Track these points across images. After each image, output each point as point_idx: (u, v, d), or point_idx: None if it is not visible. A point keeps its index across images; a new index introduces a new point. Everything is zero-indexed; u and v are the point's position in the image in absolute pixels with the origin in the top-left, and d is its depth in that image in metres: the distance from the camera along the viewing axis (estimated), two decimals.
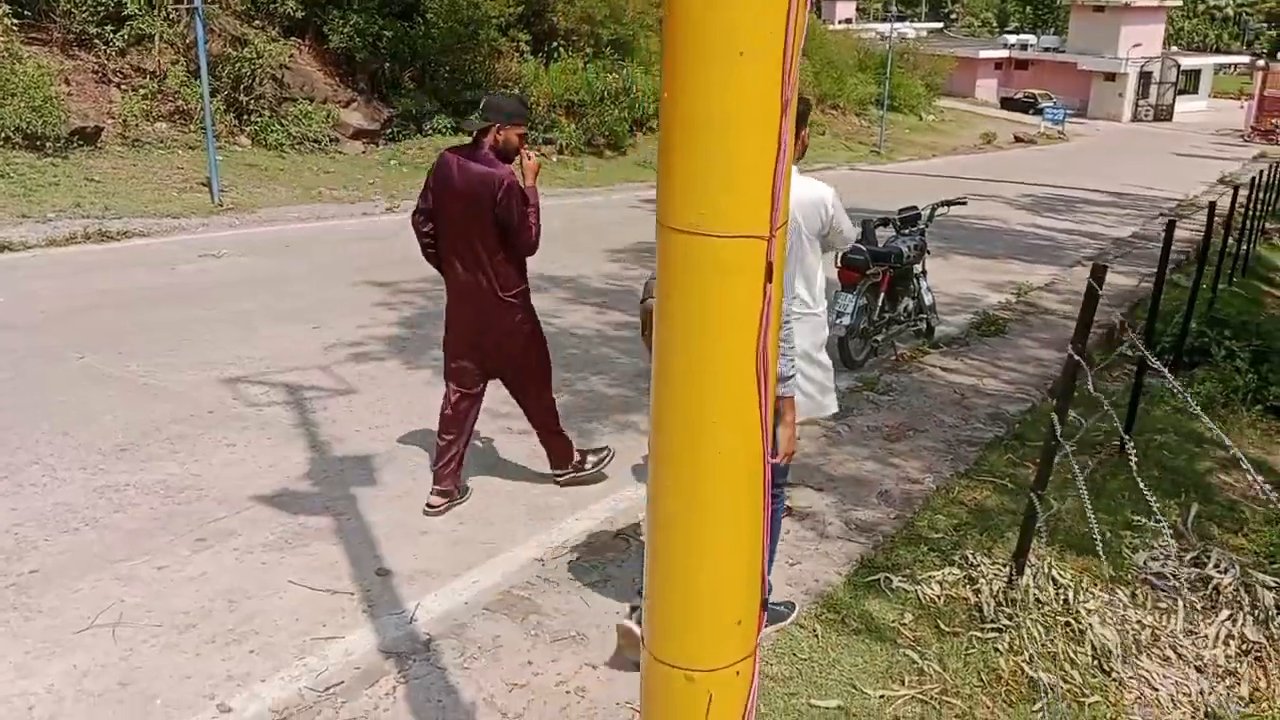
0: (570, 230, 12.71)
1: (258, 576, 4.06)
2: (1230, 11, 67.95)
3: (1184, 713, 3.43)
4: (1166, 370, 7.72)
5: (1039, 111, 44.22)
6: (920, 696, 3.41)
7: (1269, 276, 15.10)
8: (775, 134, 1.26)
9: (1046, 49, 55.95)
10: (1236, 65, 62.46)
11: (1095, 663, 3.63)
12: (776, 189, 1.27)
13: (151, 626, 3.67)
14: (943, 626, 3.84)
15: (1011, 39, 58.05)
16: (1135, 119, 50.33)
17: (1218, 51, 64.99)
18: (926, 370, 7.49)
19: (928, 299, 8.20)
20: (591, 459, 5.12)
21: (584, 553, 4.34)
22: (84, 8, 14.95)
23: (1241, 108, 49.20)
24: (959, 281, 11.10)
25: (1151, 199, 21.50)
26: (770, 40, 1.24)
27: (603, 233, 13.22)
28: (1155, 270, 6.15)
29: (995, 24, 74.74)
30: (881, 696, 3.39)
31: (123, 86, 15.35)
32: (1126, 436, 4.95)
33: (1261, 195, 16.75)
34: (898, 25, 37.92)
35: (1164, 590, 4.29)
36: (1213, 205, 7.74)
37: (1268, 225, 18.83)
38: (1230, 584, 4.36)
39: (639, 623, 4.24)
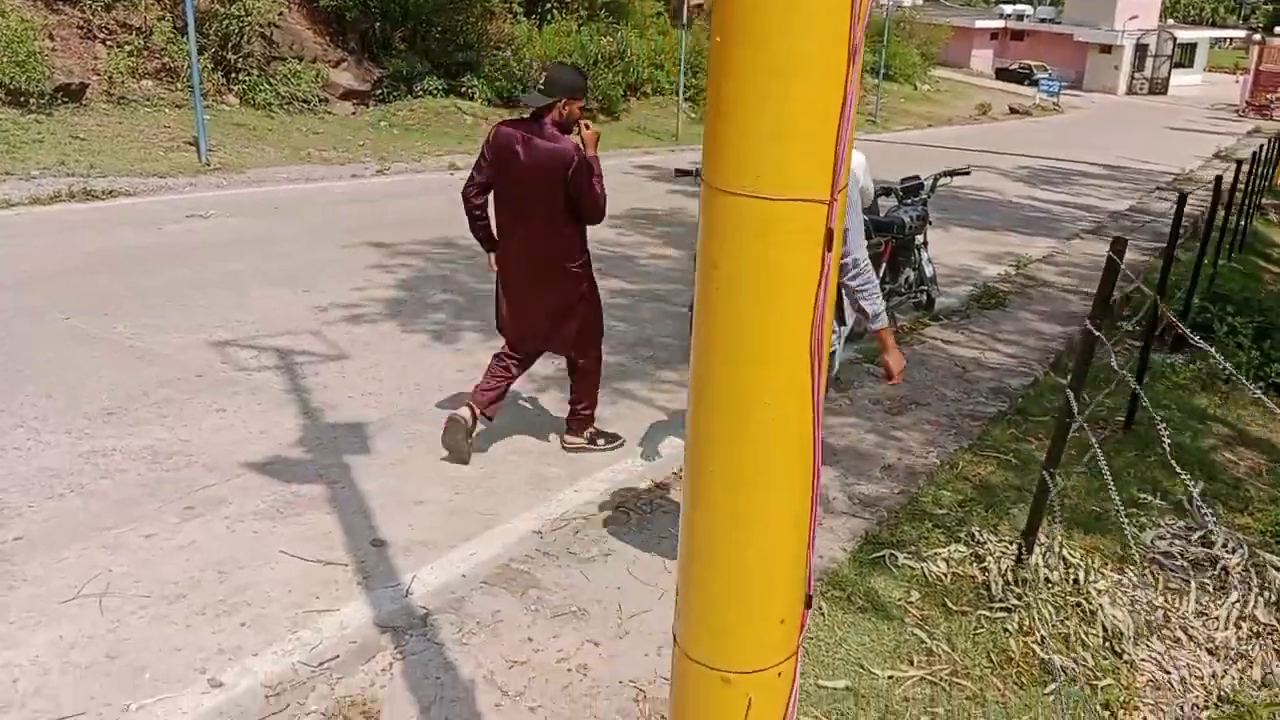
0: None
1: (249, 546, 3.95)
2: None
3: (1197, 696, 3.37)
4: (1168, 345, 7.64)
5: (1034, 83, 43.95)
6: (930, 678, 3.33)
7: (1265, 252, 15.03)
8: (841, 84, 1.13)
9: (1043, 20, 55.54)
10: (1232, 39, 62.20)
11: (1107, 644, 3.56)
12: (840, 147, 1.14)
13: (140, 597, 3.56)
14: (950, 605, 3.77)
15: (1008, 9, 57.52)
16: (1130, 92, 50.11)
17: (1214, 25, 64.68)
18: (928, 342, 7.40)
19: (929, 270, 8.09)
20: (603, 441, 5.05)
21: (583, 526, 4.25)
22: None
23: (1236, 82, 49.04)
24: (957, 253, 10.98)
25: (1147, 173, 21.39)
26: None
27: None
28: (1153, 245, 6.06)
29: None
30: (890, 677, 3.32)
31: (108, 43, 15.02)
32: (1151, 415, 4.87)
33: (1260, 170, 16.63)
34: None
35: (1172, 570, 4.23)
36: (1219, 179, 7.63)
37: (1264, 201, 18.75)
38: (1238, 564, 4.30)
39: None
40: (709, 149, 1.21)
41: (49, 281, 7.34)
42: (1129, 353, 7.49)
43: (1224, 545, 4.47)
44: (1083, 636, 3.56)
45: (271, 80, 16.25)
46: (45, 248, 8.35)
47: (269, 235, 9.45)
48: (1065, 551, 4.00)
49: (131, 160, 12.22)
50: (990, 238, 12.39)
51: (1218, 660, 3.61)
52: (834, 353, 4.12)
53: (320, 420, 5.24)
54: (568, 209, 4.42)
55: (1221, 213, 11.19)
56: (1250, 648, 3.68)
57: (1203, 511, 4.00)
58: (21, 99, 12.86)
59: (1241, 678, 3.49)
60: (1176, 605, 3.92)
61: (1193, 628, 3.80)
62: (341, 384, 5.79)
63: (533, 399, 5.75)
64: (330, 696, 3.08)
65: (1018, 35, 53.43)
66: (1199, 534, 4.61)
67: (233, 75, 16.00)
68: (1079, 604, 3.74)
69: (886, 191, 7.71)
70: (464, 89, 18.96)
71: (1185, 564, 4.31)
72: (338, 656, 3.27)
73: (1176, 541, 4.54)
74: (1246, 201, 14.79)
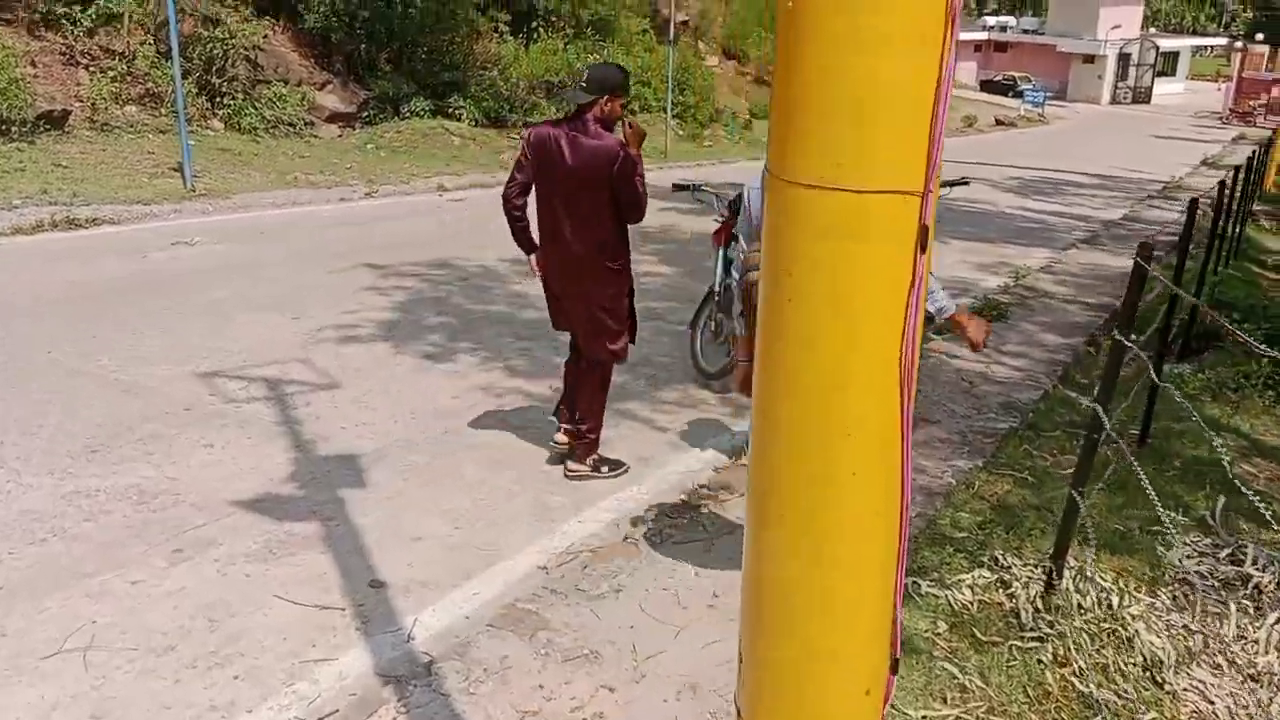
0: None
1: (241, 590, 3.76)
2: None
3: None
4: (1175, 355, 7.50)
5: (1019, 94, 44.08)
6: (965, 716, 3.15)
7: (1259, 258, 14.97)
8: (937, 57, 0.96)
9: (1026, 31, 55.83)
10: (1213, 47, 62.63)
11: (1147, 674, 3.39)
12: (936, 130, 0.97)
13: (126, 650, 3.36)
14: (980, 636, 3.59)
15: (991, 21, 57.87)
16: (1114, 101, 50.34)
17: (1195, 33, 65.12)
18: (934, 357, 7.24)
19: (932, 283, 7.94)
20: (606, 469, 4.89)
21: (591, 560, 4.06)
22: None
23: (1219, 89, 49.29)
24: (954, 265, 10.86)
25: (1137, 181, 21.36)
26: None
27: None
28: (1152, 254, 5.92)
29: (974, 6, 74.51)
30: (923, 717, 3.14)
31: (91, 68, 14.86)
32: (1167, 426, 4.71)
33: (1252, 178, 16.61)
34: None
35: (1204, 591, 4.07)
36: (1222, 185, 7.52)
37: (1255, 207, 18.72)
38: (1271, 582, 4.15)
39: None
40: (777, 135, 1.04)
41: (30, 313, 7.14)
42: (1133, 363, 7.36)
43: (1254, 562, 4.32)
44: (1121, 666, 3.39)
45: (256, 104, 16.10)
46: (27, 278, 8.15)
47: (256, 261, 9.26)
48: (1097, 575, 3.83)
49: (115, 187, 12.03)
50: (986, 249, 12.28)
51: (1261, 687, 3.44)
52: None
53: (312, 453, 5.05)
54: (611, 206, 4.44)
55: (1220, 219, 11.10)
56: None
57: (1213, 525, 3.84)
58: (3, 127, 12.68)
59: None
60: (1214, 629, 3.75)
61: (1233, 652, 3.63)
62: (334, 414, 5.60)
63: (532, 424, 5.57)
64: None
65: (1001, 47, 53.67)
66: (1227, 551, 4.46)
67: (217, 100, 15.84)
68: (1114, 631, 3.57)
69: None
70: (451, 109, 18.84)
71: (1216, 583, 4.16)
72: (337, 711, 3.07)
73: (1205, 560, 4.39)
74: (1240, 208, 14.74)
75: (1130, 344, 3.42)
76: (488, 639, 3.46)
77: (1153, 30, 57.73)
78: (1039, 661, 3.43)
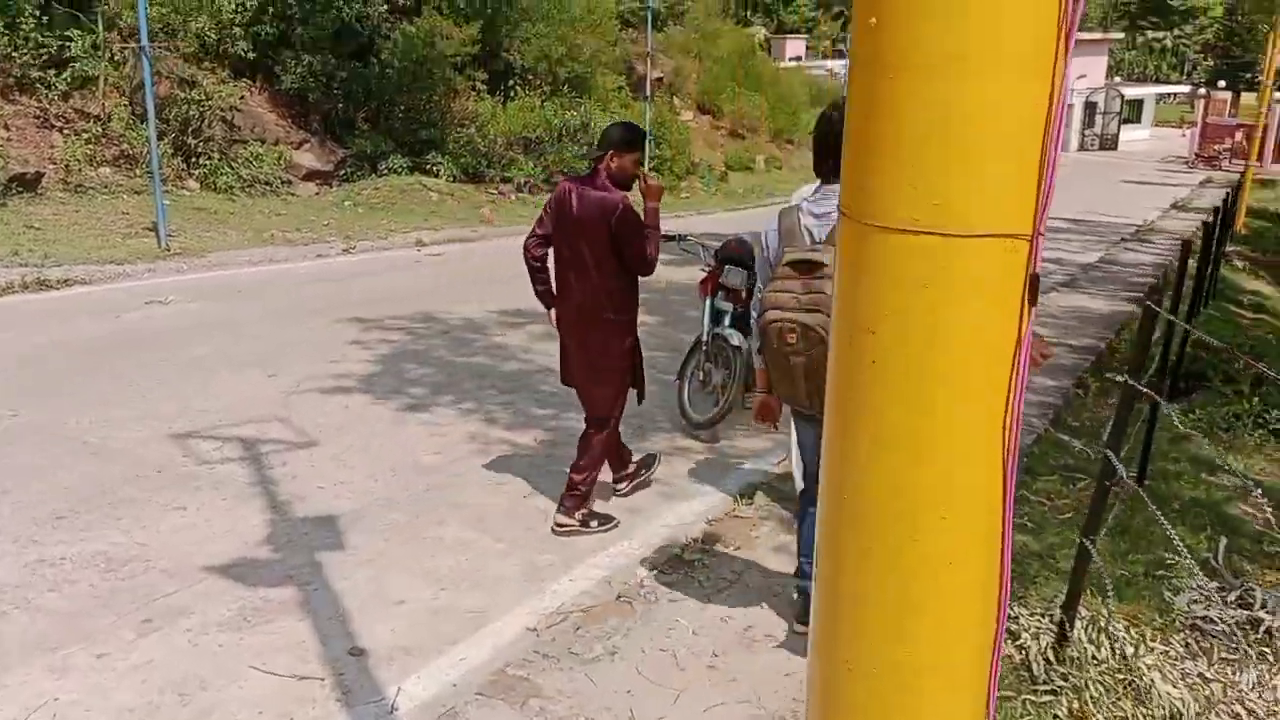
0: None
1: (214, 661, 3.56)
2: (1169, 43, 69.66)
3: None
4: (1165, 394, 7.46)
5: None
6: None
7: (1236, 299, 15.07)
8: (1047, 81, 0.83)
9: None
10: (1177, 95, 63.93)
11: None
12: (1047, 163, 0.85)
13: None
14: None
15: None
16: (1082, 148, 51.09)
17: (1158, 82, 66.54)
18: None
19: None
20: (595, 523, 4.74)
21: (583, 620, 3.89)
22: (25, 51, 14.37)
23: (1183, 135, 50.17)
24: None
25: (1110, 225, 21.55)
26: None
27: None
28: (1129, 295, 5.89)
29: None
30: None
31: (65, 131, 14.75)
32: (1163, 469, 4.62)
33: (1222, 219, 16.78)
34: (845, 62, 38.30)
35: (1216, 637, 3.94)
36: (1208, 224, 7.53)
37: (1228, 249, 18.91)
38: None
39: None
40: (855, 170, 0.90)
41: None
42: (1110, 405, 7.29)
43: (1263, 606, 4.20)
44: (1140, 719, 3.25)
45: (233, 164, 16.02)
46: None
47: (231, 319, 9.10)
48: (1109, 625, 3.69)
49: (88, 248, 11.86)
50: None
51: None
52: None
53: (289, 514, 4.87)
54: (613, 258, 4.52)
55: (1200, 261, 11.15)
56: None
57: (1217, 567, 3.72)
58: None
59: None
60: (1230, 677, 3.61)
61: (1249, 700, 3.50)
62: (311, 473, 5.42)
63: (517, 479, 5.41)
64: None
65: None
66: (1234, 594, 4.34)
67: (193, 160, 15.75)
68: (1130, 682, 3.43)
69: None
70: (429, 166, 18.84)
71: (1226, 628, 4.03)
72: None
73: (1213, 605, 4.26)
74: (1216, 250, 14.86)
75: (1143, 388, 3.32)
76: (476, 709, 3.27)
77: (1118, 79, 58.94)
78: (1054, 716, 3.28)
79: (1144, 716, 3.27)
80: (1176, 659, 3.68)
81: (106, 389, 6.75)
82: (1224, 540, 4.91)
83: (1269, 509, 4.91)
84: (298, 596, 4.05)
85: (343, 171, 17.98)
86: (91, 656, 3.57)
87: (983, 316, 0.86)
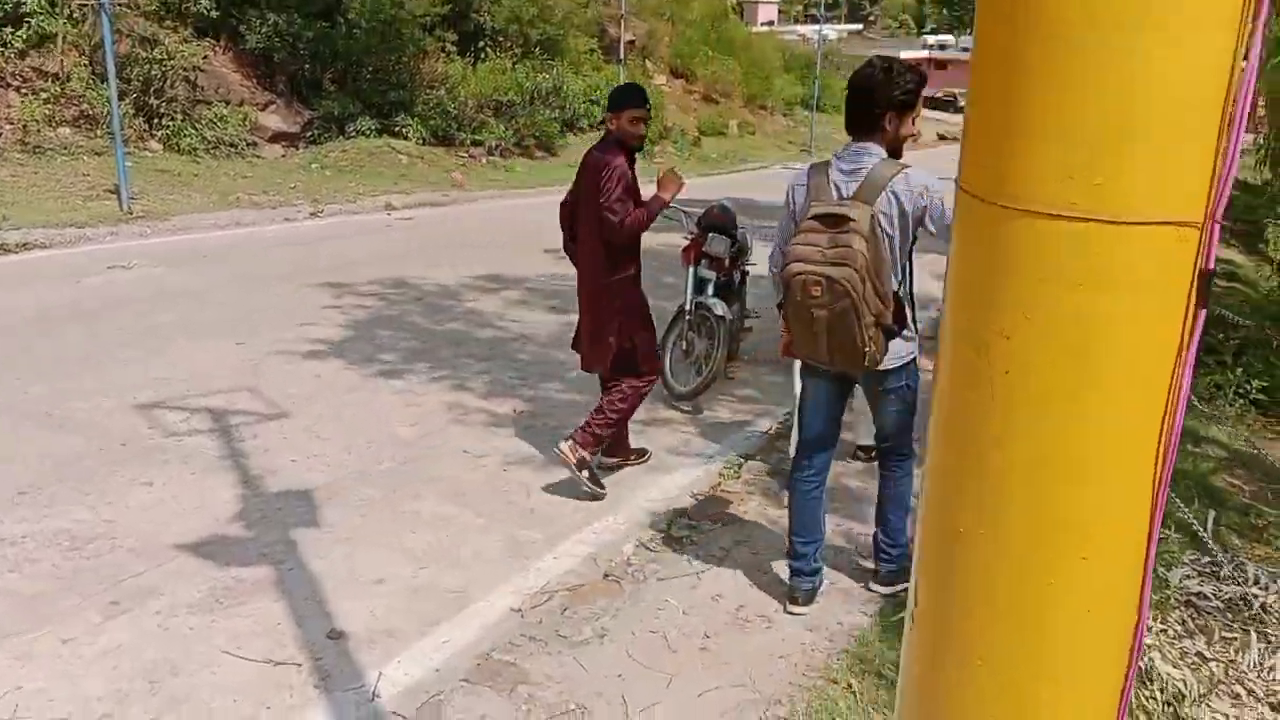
0: (513, 232, 12.06)
1: (185, 646, 3.40)
2: None
3: None
4: None
5: (959, 109, 44.67)
6: None
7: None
8: (1231, 45, 0.69)
9: (965, 49, 56.66)
10: None
11: (1169, 707, 3.18)
12: (1228, 142, 0.71)
13: (56, 719, 3.00)
14: None
15: (931, 39, 58.71)
16: None
17: None
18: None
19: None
20: (586, 475, 4.64)
21: (570, 601, 3.77)
22: None
23: None
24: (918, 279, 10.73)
25: None
26: None
27: (542, 235, 12.60)
28: None
29: (914, 25, 75.64)
30: None
31: (22, 90, 14.28)
32: None
33: None
34: (819, 27, 38.05)
35: (1211, 614, 3.89)
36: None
37: None
38: (1276, 602, 3.98)
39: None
40: (978, 145, 0.75)
41: None
42: None
43: (1256, 581, 4.16)
44: (1143, 701, 3.18)
45: (196, 125, 15.60)
46: None
47: (197, 284, 8.84)
48: None
49: (48, 211, 11.50)
50: (943, 260, 12.20)
51: None
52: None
53: (261, 489, 4.70)
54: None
55: None
56: None
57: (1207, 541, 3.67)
58: None
59: None
60: (1228, 655, 3.56)
61: (1249, 680, 3.45)
62: (283, 445, 5.25)
63: (496, 450, 5.26)
64: None
65: (941, 65, 54.38)
66: (1226, 569, 4.29)
67: (155, 121, 15.32)
68: None
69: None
70: (398, 128, 18.47)
71: (1220, 604, 3.98)
72: None
73: (1206, 580, 4.22)
74: None
75: None
76: (462, 695, 3.15)
77: None
78: None
79: (1146, 698, 3.20)
80: (1175, 637, 3.62)
81: (68, 357, 6.51)
82: (1212, 513, 4.88)
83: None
84: (272, 576, 3.89)
85: (309, 133, 17.59)
86: (56, 642, 3.40)
87: (1143, 315, 0.72)
